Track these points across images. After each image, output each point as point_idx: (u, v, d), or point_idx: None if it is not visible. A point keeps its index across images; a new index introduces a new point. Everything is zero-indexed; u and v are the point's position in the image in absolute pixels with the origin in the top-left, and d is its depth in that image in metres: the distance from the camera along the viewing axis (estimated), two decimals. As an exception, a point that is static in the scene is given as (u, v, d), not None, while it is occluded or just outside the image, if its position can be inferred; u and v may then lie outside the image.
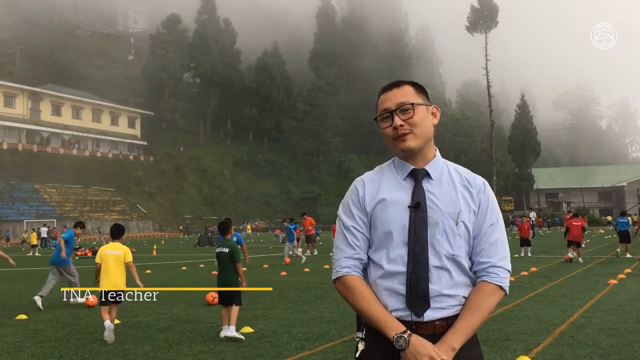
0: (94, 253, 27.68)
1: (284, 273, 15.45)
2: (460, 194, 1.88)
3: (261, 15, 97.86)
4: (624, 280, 11.94)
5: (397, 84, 1.94)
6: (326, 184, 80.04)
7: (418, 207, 1.83)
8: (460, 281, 1.84)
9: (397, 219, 1.84)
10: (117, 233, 7.62)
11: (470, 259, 1.91)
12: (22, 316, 8.96)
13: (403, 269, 1.81)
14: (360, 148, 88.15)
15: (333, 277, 1.93)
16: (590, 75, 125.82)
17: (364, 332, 1.95)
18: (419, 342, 1.74)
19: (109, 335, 6.85)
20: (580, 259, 17.26)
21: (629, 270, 13.69)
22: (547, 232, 44.09)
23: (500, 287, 1.87)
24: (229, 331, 6.79)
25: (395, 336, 1.76)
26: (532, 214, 39.13)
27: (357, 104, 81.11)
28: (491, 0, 72.91)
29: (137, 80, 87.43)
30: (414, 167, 1.90)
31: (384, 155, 72.42)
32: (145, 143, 78.35)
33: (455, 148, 79.89)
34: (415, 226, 1.82)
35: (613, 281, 11.67)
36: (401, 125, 1.86)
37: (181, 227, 64.07)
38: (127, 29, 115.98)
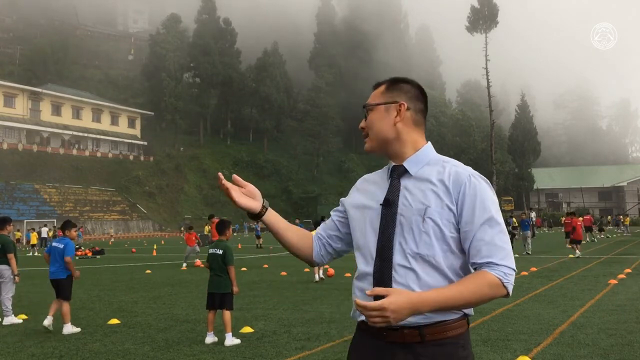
0: (94, 253, 27.58)
1: (284, 273, 15.45)
2: (432, 189, 1.76)
3: (261, 15, 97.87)
4: (624, 280, 11.94)
5: (376, 85, 1.95)
6: (326, 184, 79.96)
7: (387, 204, 1.80)
8: (431, 283, 1.70)
9: (373, 218, 1.83)
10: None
11: (468, 260, 1.76)
12: (22, 316, 8.97)
13: (372, 269, 1.77)
14: (360, 148, 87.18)
15: None
16: (590, 75, 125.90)
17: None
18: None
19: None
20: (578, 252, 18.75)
21: (629, 270, 13.71)
22: (547, 231, 44.09)
23: (502, 283, 1.66)
24: (228, 339, 6.62)
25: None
26: (533, 214, 39.21)
27: (357, 104, 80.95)
28: (491, 0, 72.92)
29: (137, 80, 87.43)
30: (394, 165, 1.89)
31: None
32: (145, 143, 78.35)
33: (455, 148, 79.82)
34: (384, 224, 1.79)
35: (613, 281, 11.68)
36: (362, 128, 1.92)
37: (182, 228, 64.04)
38: (127, 29, 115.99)
